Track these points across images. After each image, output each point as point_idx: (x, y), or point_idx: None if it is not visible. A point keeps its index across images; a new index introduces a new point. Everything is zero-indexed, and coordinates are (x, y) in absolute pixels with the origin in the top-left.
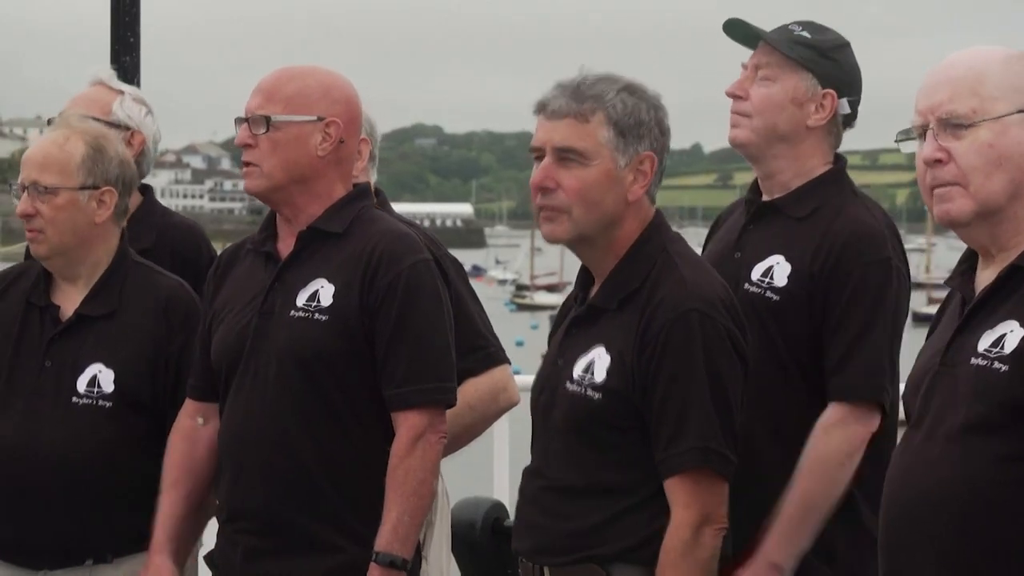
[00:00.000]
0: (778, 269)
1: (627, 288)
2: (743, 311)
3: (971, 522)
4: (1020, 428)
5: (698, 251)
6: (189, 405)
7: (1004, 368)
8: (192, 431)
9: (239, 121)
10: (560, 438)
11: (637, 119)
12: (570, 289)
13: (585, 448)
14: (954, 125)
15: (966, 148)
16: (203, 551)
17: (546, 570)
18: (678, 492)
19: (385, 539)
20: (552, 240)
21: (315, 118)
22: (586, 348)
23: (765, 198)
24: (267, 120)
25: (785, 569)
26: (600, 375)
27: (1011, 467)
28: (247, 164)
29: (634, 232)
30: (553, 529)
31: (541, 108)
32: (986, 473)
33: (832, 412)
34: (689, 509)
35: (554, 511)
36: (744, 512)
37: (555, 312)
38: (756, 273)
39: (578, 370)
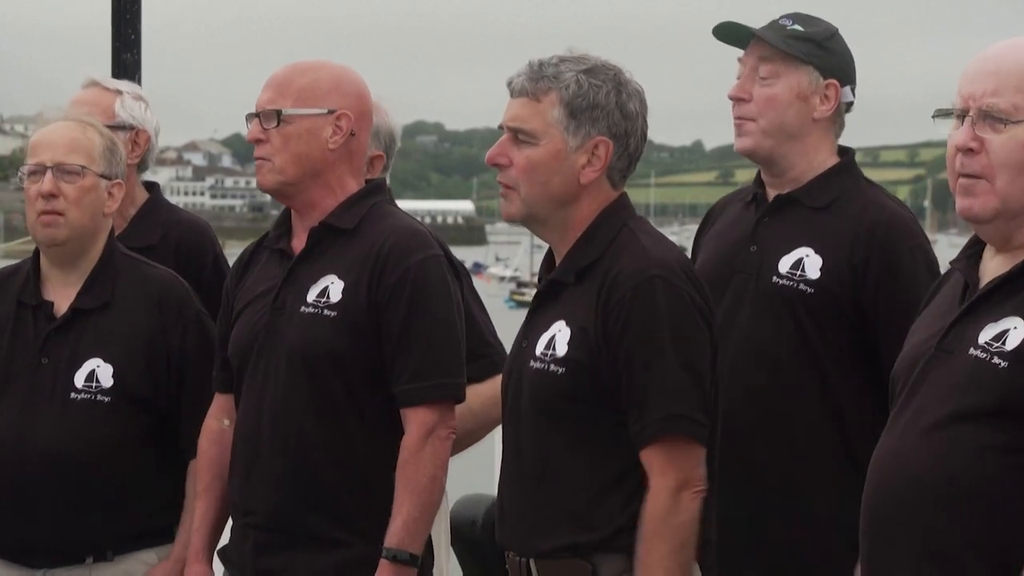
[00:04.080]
0: (808, 262)
1: (585, 260)
2: (771, 304)
3: (953, 510)
4: (1010, 423)
5: (688, 245)
6: (215, 404)
7: (1003, 364)
8: (220, 434)
9: (250, 117)
10: (529, 421)
11: (592, 101)
12: None
13: (553, 430)
14: (994, 118)
15: (1001, 144)
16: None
17: (532, 564)
18: (653, 461)
19: (396, 536)
20: (507, 218)
21: (326, 111)
22: (547, 325)
23: (772, 192)
24: (278, 114)
25: None
26: (562, 349)
27: (996, 458)
28: (259, 159)
29: (593, 213)
30: (531, 520)
31: (508, 86)
32: (971, 463)
33: None
34: (665, 476)
35: (530, 500)
36: (776, 508)
37: None
38: (784, 266)
39: (540, 347)
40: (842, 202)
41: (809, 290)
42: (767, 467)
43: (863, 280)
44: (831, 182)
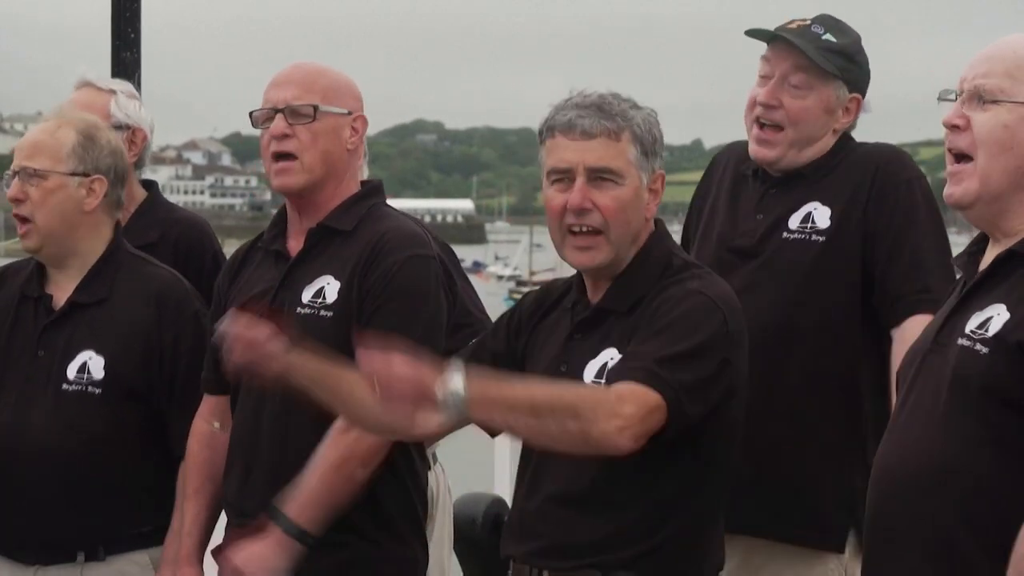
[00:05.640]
0: (817, 214)
1: (638, 292)
2: (783, 260)
3: (951, 503)
4: (996, 411)
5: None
6: (205, 405)
7: (985, 351)
8: (210, 437)
9: (264, 113)
10: None
11: (654, 136)
12: None
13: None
14: (981, 97)
15: (983, 121)
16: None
17: (545, 573)
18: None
19: (294, 506)
20: (590, 267)
21: (347, 112)
22: (594, 352)
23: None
24: (315, 108)
25: None
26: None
27: (986, 446)
28: (284, 156)
29: (641, 243)
30: (554, 538)
31: (566, 129)
32: (962, 453)
33: (914, 323)
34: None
35: (556, 521)
36: (792, 469)
37: None
38: (794, 222)
39: (589, 375)
40: (844, 162)
41: (820, 239)
42: (773, 418)
43: (864, 212)
44: (835, 154)
